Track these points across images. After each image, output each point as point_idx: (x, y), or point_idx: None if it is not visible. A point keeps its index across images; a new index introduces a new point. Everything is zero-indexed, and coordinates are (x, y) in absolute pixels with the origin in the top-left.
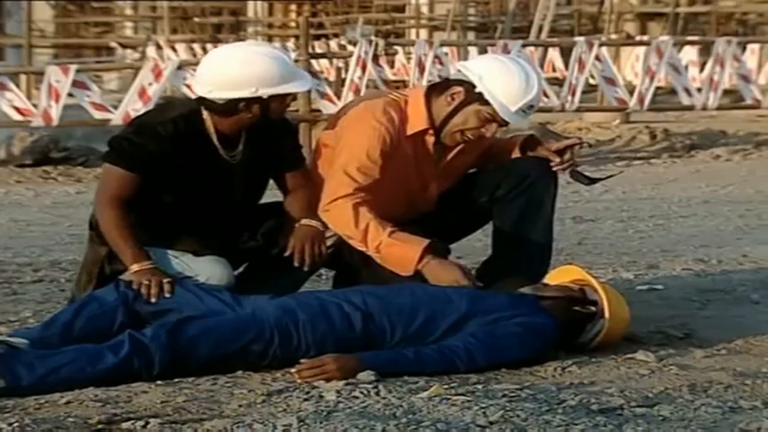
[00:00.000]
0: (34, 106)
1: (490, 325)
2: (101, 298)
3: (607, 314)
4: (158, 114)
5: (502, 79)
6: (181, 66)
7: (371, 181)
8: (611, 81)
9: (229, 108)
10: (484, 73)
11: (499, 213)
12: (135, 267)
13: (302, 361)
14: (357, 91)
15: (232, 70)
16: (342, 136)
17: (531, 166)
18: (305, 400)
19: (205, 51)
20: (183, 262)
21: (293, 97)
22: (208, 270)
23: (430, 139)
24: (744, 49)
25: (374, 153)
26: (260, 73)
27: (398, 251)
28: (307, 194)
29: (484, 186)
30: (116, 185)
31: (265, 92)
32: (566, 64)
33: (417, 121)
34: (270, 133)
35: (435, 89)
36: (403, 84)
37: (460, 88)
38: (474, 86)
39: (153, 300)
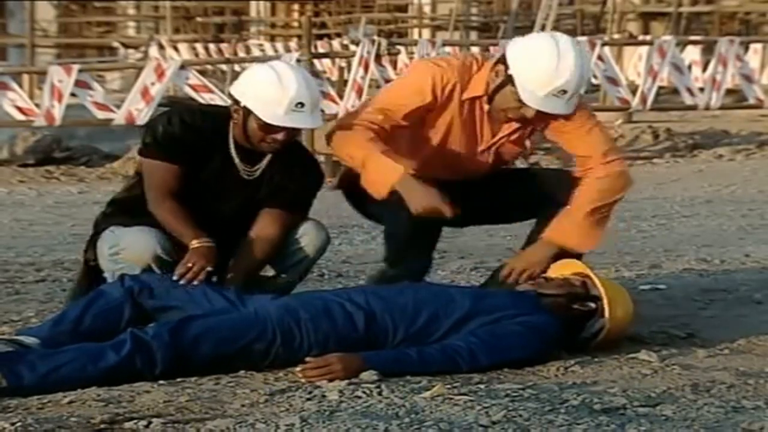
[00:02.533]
0: (37, 105)
1: (492, 324)
2: (108, 293)
3: (607, 314)
4: (193, 109)
5: (529, 61)
6: (183, 66)
7: (390, 122)
8: (614, 81)
9: (231, 106)
10: (518, 54)
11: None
12: (194, 243)
13: (307, 359)
14: (359, 91)
15: (250, 69)
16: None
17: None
18: (308, 399)
19: (207, 51)
20: (114, 234)
21: (287, 134)
22: (129, 239)
23: (485, 107)
24: (747, 48)
25: (404, 99)
26: (253, 80)
27: (381, 166)
28: (269, 238)
29: (526, 193)
30: (157, 178)
31: (244, 100)
32: None
33: (477, 87)
34: (297, 168)
35: (498, 60)
36: None
37: (502, 67)
38: (508, 66)
39: (182, 282)
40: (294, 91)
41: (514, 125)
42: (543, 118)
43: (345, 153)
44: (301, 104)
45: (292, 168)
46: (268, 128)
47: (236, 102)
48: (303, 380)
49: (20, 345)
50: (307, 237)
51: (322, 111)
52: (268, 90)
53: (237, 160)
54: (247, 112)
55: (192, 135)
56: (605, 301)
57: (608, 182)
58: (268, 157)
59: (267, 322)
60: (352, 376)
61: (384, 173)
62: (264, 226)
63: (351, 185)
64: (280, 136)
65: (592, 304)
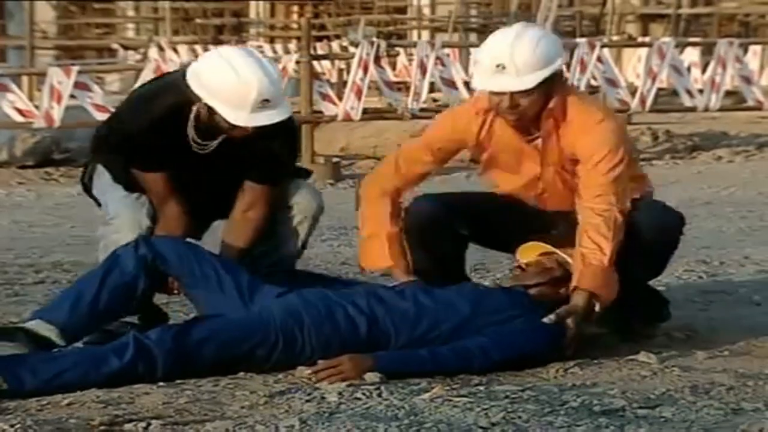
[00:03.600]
0: (36, 107)
1: (495, 325)
2: (123, 264)
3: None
4: (153, 97)
5: None
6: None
7: (414, 165)
8: (613, 82)
9: (192, 96)
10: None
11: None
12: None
13: (319, 362)
14: (359, 92)
15: (206, 62)
16: None
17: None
18: (307, 401)
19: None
20: (108, 206)
21: (255, 128)
22: (122, 216)
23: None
24: (746, 50)
25: (430, 139)
26: (213, 81)
27: (377, 249)
28: (253, 219)
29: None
30: (149, 188)
31: (205, 98)
32: (568, 66)
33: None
34: (259, 136)
35: None
36: (405, 85)
37: None
38: None
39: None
40: (256, 90)
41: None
42: None
43: (361, 212)
44: (267, 100)
45: (251, 140)
46: (236, 126)
47: (198, 96)
48: (313, 380)
49: (36, 337)
50: (297, 207)
51: (321, 112)
52: (230, 91)
53: (191, 138)
54: (212, 109)
55: (154, 136)
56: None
57: (604, 224)
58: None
59: (270, 327)
60: (363, 376)
61: (376, 257)
62: (247, 207)
63: None
64: (249, 129)
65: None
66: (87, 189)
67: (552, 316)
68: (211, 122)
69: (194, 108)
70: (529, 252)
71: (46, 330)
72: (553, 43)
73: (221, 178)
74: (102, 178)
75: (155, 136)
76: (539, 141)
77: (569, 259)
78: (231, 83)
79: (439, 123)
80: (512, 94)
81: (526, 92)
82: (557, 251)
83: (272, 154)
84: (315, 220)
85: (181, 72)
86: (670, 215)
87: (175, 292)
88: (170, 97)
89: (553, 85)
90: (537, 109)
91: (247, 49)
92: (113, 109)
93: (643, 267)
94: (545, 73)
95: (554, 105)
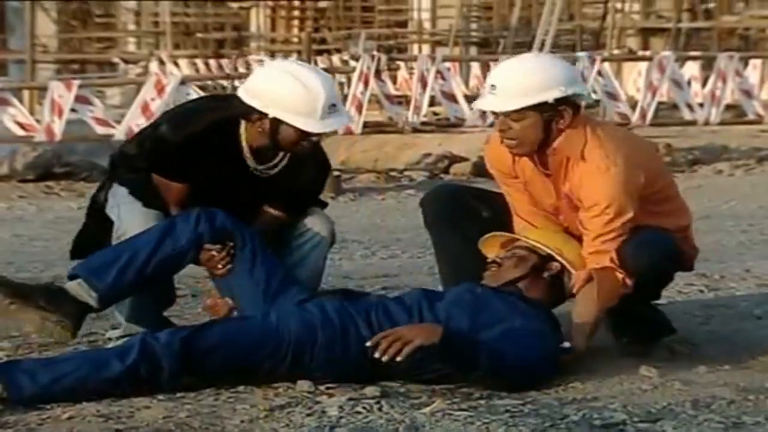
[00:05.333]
0: (37, 121)
1: (500, 335)
2: (177, 235)
3: (567, 264)
4: (195, 114)
5: None
6: (183, 81)
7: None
8: (613, 96)
9: (247, 112)
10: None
11: None
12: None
13: (376, 340)
14: (359, 106)
15: (262, 78)
16: None
17: None
18: (308, 415)
19: (207, 66)
20: (120, 219)
21: (319, 137)
22: (127, 221)
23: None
24: (746, 64)
25: (498, 179)
26: (279, 93)
27: None
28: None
29: None
30: (167, 194)
31: (273, 112)
32: None
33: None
34: (310, 168)
35: None
36: (405, 99)
37: None
38: None
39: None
40: (324, 96)
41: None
42: None
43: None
44: (334, 105)
45: (305, 163)
46: (306, 134)
47: (258, 111)
48: (377, 356)
49: (75, 301)
50: (311, 231)
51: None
52: (298, 101)
53: (249, 160)
54: (277, 122)
55: (194, 150)
56: (555, 254)
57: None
58: (284, 159)
59: (283, 343)
60: (431, 340)
61: None
62: (263, 227)
63: None
64: (315, 137)
65: (554, 264)
66: (101, 208)
67: (566, 344)
68: (274, 139)
69: (243, 128)
70: (492, 244)
71: (88, 296)
72: (557, 71)
73: (248, 200)
74: (117, 195)
75: (193, 151)
76: (552, 171)
77: (537, 243)
78: (299, 92)
79: (487, 161)
80: (503, 116)
81: (515, 117)
82: (518, 236)
83: (307, 185)
84: (329, 245)
85: (224, 95)
86: (657, 258)
87: (219, 266)
88: (212, 115)
89: (558, 118)
90: (533, 138)
91: (295, 60)
92: (113, 123)
93: (635, 298)
94: (530, 100)
95: (564, 142)
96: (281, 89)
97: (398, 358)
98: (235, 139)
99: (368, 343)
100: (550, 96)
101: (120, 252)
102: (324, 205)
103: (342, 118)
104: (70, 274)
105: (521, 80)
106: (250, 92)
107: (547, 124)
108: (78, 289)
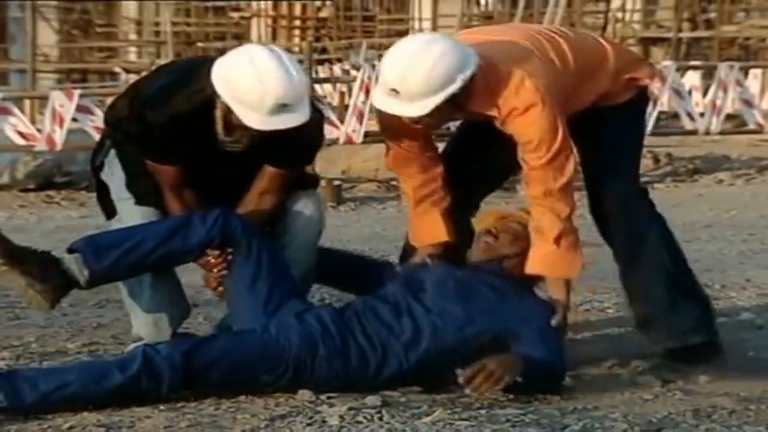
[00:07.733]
0: (38, 130)
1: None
2: (189, 233)
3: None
4: (177, 90)
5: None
6: None
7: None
8: None
9: (215, 92)
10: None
11: None
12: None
13: (463, 371)
14: (361, 115)
15: (233, 59)
16: None
17: None
18: (308, 425)
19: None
20: (125, 206)
21: (259, 133)
22: (127, 220)
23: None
24: (747, 73)
25: None
26: (236, 79)
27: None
28: (268, 202)
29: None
30: (159, 177)
31: (224, 96)
32: None
33: None
34: (291, 130)
35: None
36: None
37: None
38: None
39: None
40: (274, 95)
41: None
42: None
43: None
44: (286, 105)
45: (283, 134)
46: (246, 126)
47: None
48: (468, 391)
49: (65, 275)
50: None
51: (321, 116)
52: (248, 92)
53: (222, 135)
54: (228, 107)
55: (176, 133)
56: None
57: (549, 205)
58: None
59: (284, 357)
60: (516, 374)
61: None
62: (263, 191)
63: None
64: (255, 133)
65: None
66: (96, 173)
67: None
68: (225, 120)
69: (218, 104)
70: (486, 219)
71: (80, 274)
72: (452, 61)
73: (238, 170)
74: (114, 178)
75: (175, 131)
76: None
77: (526, 216)
78: (251, 85)
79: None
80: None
81: (428, 113)
82: (513, 212)
83: (297, 140)
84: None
85: (212, 60)
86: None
87: (213, 271)
88: (195, 91)
89: (464, 90)
90: (447, 119)
91: (274, 50)
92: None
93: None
94: (439, 98)
95: (476, 90)
96: (238, 77)
97: (487, 394)
98: (212, 114)
99: (460, 379)
100: (454, 87)
101: (128, 236)
102: (316, 181)
103: (291, 118)
104: (71, 247)
105: (423, 82)
106: (219, 67)
107: (456, 99)
108: (72, 263)
